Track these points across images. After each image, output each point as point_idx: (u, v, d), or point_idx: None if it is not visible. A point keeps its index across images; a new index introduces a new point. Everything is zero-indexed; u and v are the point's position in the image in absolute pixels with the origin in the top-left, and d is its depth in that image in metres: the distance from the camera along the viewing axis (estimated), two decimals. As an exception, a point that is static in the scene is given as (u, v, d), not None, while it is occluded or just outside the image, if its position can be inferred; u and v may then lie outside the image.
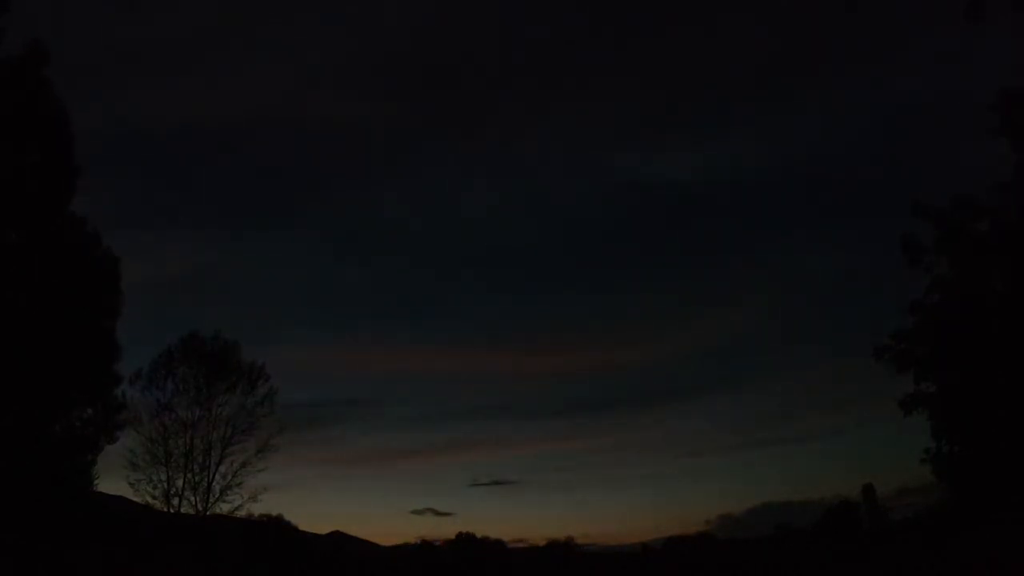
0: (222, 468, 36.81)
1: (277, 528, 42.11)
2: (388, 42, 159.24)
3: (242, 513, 37.36)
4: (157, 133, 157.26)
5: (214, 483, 36.60)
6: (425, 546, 69.57)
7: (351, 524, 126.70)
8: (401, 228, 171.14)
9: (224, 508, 36.87)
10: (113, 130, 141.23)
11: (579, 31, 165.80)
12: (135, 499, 35.94)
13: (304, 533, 48.71)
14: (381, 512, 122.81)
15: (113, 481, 34.82)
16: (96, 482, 26.61)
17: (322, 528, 68.91)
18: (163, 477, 35.79)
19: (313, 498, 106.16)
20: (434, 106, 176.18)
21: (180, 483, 36.02)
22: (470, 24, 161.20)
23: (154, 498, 35.50)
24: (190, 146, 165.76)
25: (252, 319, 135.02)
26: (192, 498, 36.19)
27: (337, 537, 66.49)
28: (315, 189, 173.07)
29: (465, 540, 68.19)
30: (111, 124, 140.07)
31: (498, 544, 69.82)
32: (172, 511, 35.78)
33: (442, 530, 78.79)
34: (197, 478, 36.35)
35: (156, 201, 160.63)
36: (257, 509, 38.48)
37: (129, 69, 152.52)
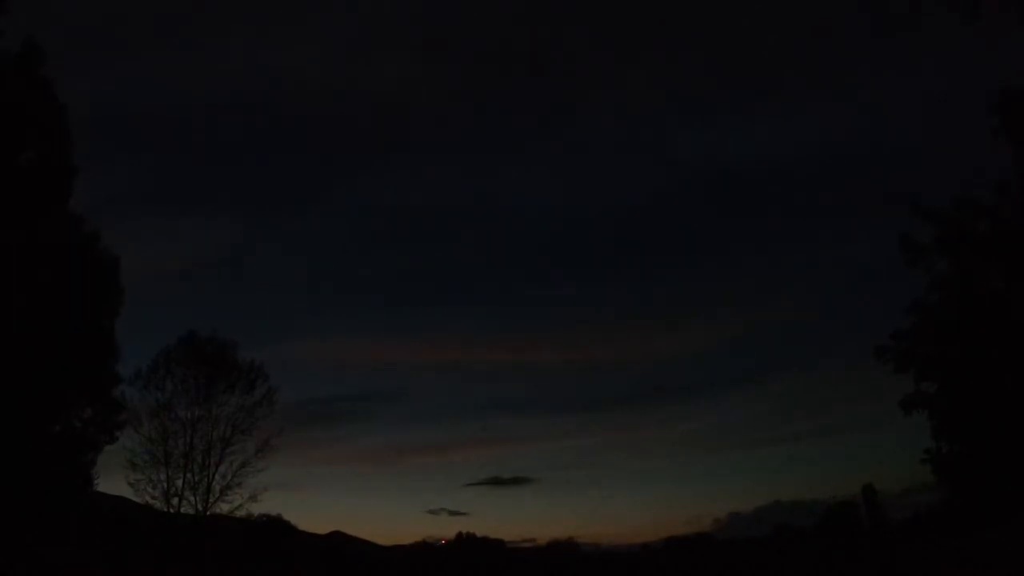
0: (222, 468, 36.84)
1: (277, 528, 42.10)
2: (423, 18, 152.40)
3: (242, 513, 37.41)
4: (173, 112, 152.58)
5: (214, 483, 36.64)
6: (425, 546, 69.74)
7: (363, 525, 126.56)
8: (421, 214, 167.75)
9: (224, 508, 36.94)
10: (127, 110, 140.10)
11: (628, 9, 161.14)
12: (135, 499, 35.99)
13: (303, 533, 48.74)
14: (396, 512, 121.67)
15: (113, 481, 34.84)
16: (96, 482, 26.68)
17: (335, 529, 69.06)
18: (163, 477, 35.77)
19: (324, 497, 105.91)
20: (473, 86, 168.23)
21: (180, 483, 36.00)
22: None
23: (154, 498, 35.53)
24: (209, 125, 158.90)
25: (269, 308, 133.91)
26: (192, 498, 36.20)
27: (337, 537, 66.45)
28: (339, 171, 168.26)
29: (465, 540, 68.33)
30: (127, 103, 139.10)
31: (498, 544, 70.00)
32: (172, 511, 35.77)
33: (456, 530, 78.78)
34: (197, 478, 36.35)
35: (175, 183, 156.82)
36: (259, 509, 38.55)
37: (142, 43, 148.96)
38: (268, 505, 45.22)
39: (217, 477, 36.74)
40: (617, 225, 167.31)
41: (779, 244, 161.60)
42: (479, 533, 73.27)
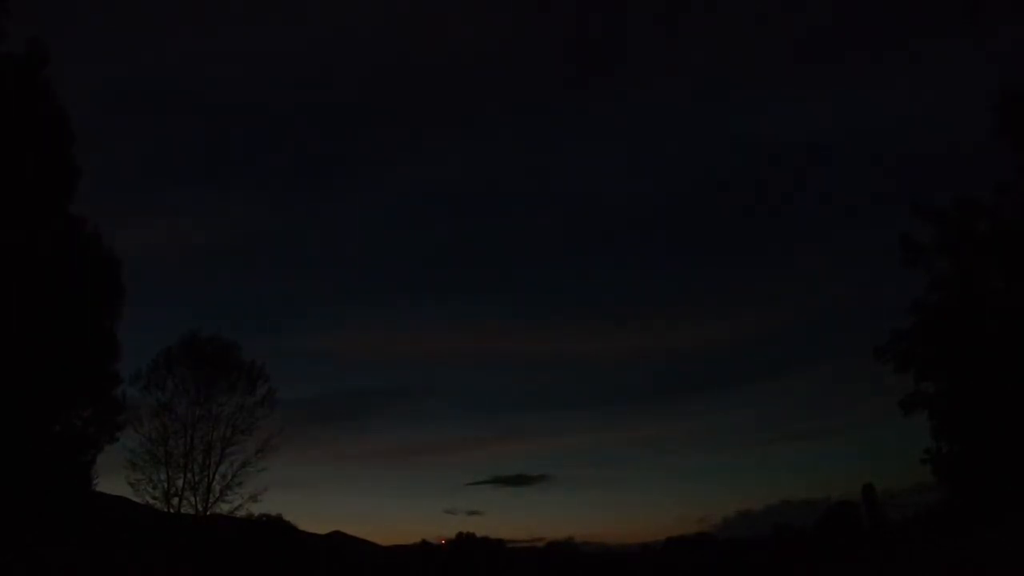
0: (222, 468, 36.94)
1: (277, 528, 42.11)
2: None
3: (242, 513, 37.51)
4: (194, 91, 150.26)
5: (214, 483, 36.70)
6: (425, 546, 69.74)
7: (376, 524, 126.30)
8: (442, 200, 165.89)
9: (224, 508, 37.02)
10: (160, 82, 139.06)
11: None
12: (135, 499, 36.05)
13: (304, 533, 48.73)
14: (411, 510, 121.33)
15: (113, 481, 34.89)
16: (96, 482, 26.71)
17: (343, 528, 69.23)
18: (163, 477, 35.83)
19: (336, 496, 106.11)
20: (511, 62, 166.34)
21: (180, 483, 36.07)
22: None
23: (154, 498, 35.59)
24: (232, 105, 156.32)
25: (283, 297, 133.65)
26: (192, 498, 36.27)
27: (337, 537, 66.49)
28: (362, 153, 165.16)
29: (464, 540, 68.31)
30: (159, 75, 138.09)
31: (498, 544, 69.97)
32: (172, 511, 35.81)
33: (472, 529, 78.13)
34: (197, 478, 36.42)
35: (193, 163, 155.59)
36: (263, 508, 38.74)
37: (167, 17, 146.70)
38: (275, 505, 45.47)
39: (217, 477, 36.83)
40: (626, 223, 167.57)
41: (780, 244, 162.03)
42: (490, 534, 73.58)
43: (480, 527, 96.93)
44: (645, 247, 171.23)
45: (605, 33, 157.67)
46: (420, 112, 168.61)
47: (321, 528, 63.56)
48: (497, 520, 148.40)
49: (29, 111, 21.79)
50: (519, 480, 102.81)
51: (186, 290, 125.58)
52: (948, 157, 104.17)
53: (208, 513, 36.63)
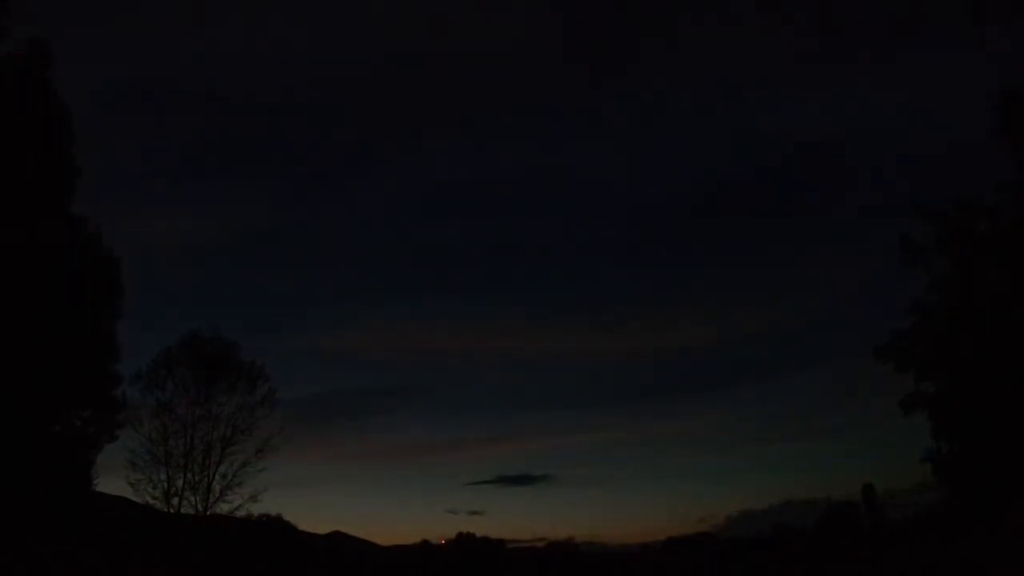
0: (222, 468, 36.94)
1: (277, 528, 42.13)
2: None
3: (242, 513, 37.53)
4: (204, 83, 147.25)
5: (214, 483, 36.72)
6: (425, 546, 69.81)
7: (378, 524, 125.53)
8: (445, 197, 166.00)
9: (224, 508, 37.04)
10: (160, 82, 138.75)
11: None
12: (135, 499, 36.07)
13: (304, 533, 48.75)
14: (414, 510, 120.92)
15: (113, 481, 34.90)
16: (96, 482, 26.74)
17: (344, 528, 69.24)
18: (163, 477, 35.83)
19: (340, 495, 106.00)
20: (517, 60, 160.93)
21: (180, 483, 36.09)
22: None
23: (154, 498, 35.60)
24: (235, 101, 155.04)
25: (285, 295, 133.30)
26: (192, 498, 36.28)
27: (337, 537, 66.50)
28: (367, 151, 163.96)
29: (465, 540, 68.40)
30: (159, 75, 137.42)
31: (498, 544, 70.04)
32: (172, 511, 35.83)
33: (473, 529, 77.69)
34: (197, 478, 36.43)
35: (198, 159, 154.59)
36: (264, 508, 38.80)
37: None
38: (275, 505, 45.41)
39: (217, 477, 36.83)
40: (626, 223, 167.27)
41: (780, 244, 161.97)
42: (491, 534, 73.57)
43: (481, 527, 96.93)
44: (645, 247, 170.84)
45: (605, 33, 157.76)
46: (420, 112, 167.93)
47: (321, 528, 63.51)
48: (498, 520, 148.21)
49: (29, 111, 21.81)
50: (520, 480, 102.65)
51: (186, 290, 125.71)
52: (948, 157, 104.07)
53: (208, 513, 36.62)
